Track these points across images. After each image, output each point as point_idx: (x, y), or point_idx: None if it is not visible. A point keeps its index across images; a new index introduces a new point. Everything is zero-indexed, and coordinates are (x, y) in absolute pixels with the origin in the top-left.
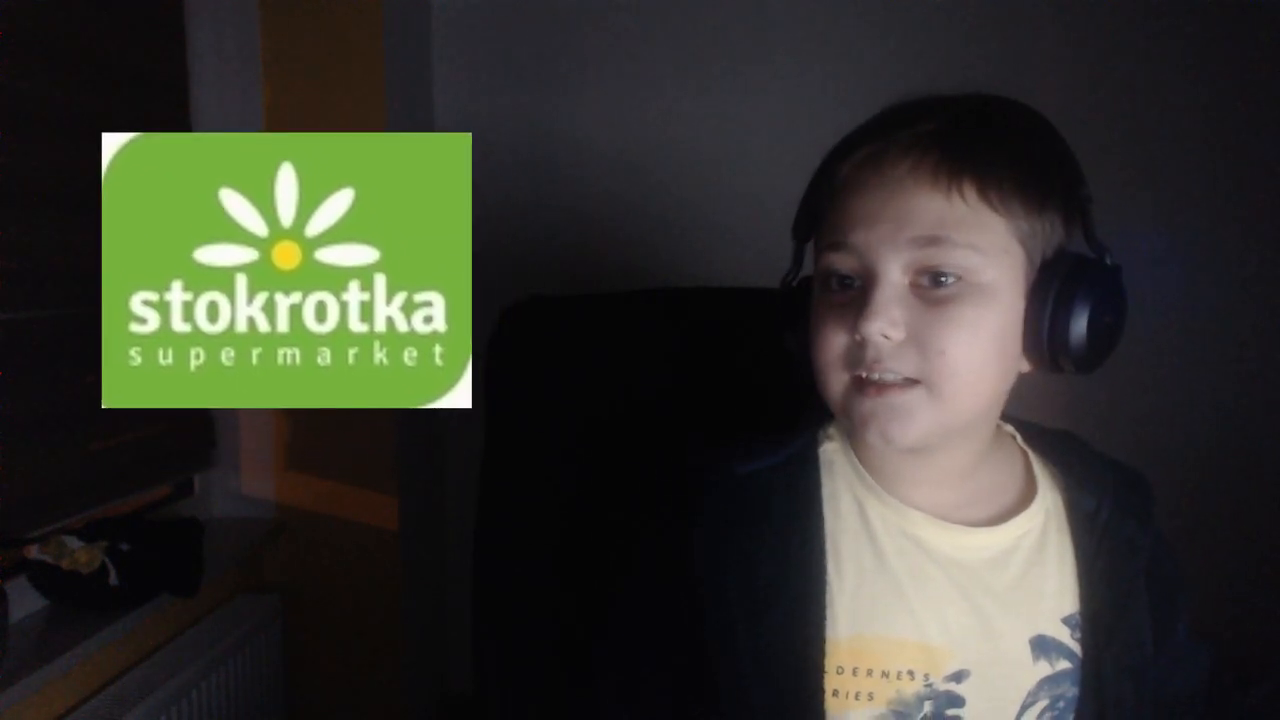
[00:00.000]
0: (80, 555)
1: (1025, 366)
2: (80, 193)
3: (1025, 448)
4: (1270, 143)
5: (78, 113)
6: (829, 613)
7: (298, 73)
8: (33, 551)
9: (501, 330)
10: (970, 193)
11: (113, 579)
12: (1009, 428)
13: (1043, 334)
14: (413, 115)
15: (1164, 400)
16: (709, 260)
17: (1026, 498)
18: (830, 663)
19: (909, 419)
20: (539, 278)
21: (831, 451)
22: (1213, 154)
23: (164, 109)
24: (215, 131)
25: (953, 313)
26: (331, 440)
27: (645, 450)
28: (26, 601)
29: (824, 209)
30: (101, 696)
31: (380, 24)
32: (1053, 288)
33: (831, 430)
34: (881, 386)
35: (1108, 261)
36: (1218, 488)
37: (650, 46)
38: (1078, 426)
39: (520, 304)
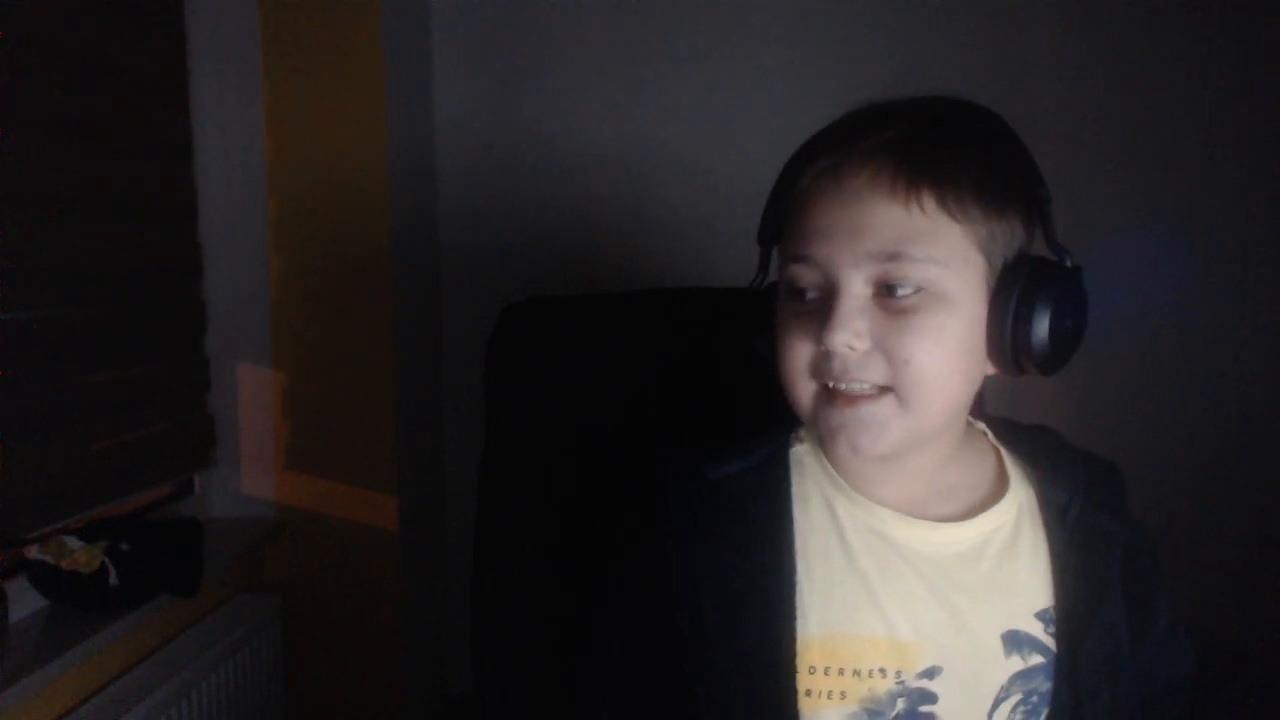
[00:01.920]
0: (80, 555)
1: (991, 369)
2: (80, 193)
3: (996, 444)
4: (1266, 144)
5: (78, 113)
6: (800, 612)
7: (298, 73)
8: (33, 551)
9: (501, 330)
10: (929, 203)
11: (113, 579)
12: (980, 425)
13: (1005, 338)
14: (412, 115)
15: (1155, 396)
16: (708, 260)
17: (998, 493)
18: (802, 662)
19: (879, 431)
20: (538, 278)
21: (802, 453)
22: (1210, 155)
23: (164, 109)
24: (215, 131)
25: (915, 321)
26: (331, 440)
27: (643, 450)
28: (26, 601)
29: (787, 216)
30: (101, 696)
31: (380, 24)
32: (1013, 292)
33: (803, 432)
34: (851, 398)
35: (1068, 264)
36: (1207, 482)
37: (650, 47)
38: (1068, 424)
39: (520, 304)
